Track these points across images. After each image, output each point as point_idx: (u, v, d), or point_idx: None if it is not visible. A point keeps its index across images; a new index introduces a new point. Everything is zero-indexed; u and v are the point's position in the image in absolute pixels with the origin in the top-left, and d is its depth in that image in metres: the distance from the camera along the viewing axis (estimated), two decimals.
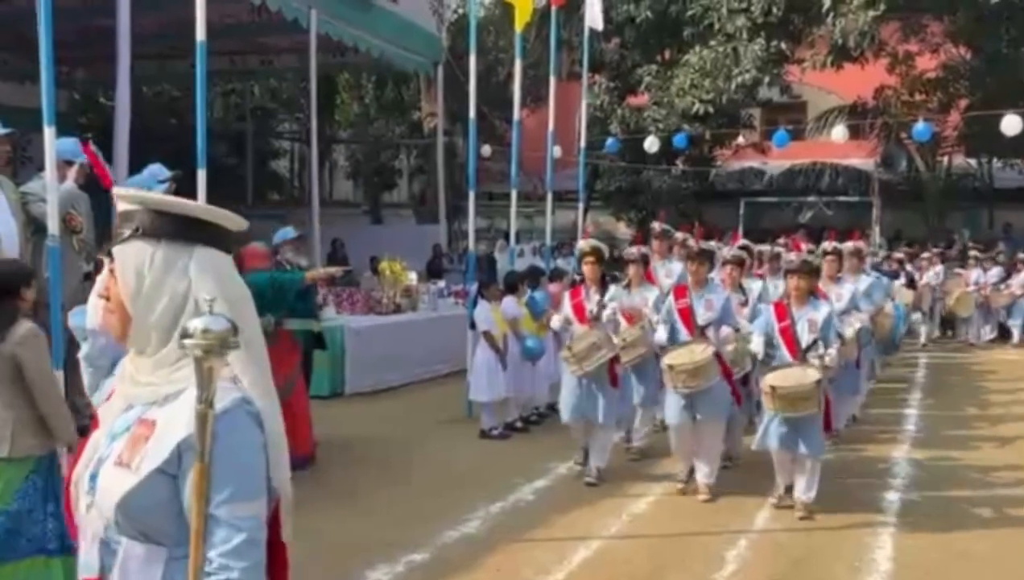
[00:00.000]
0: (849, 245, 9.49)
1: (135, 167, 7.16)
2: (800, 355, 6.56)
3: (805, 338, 6.59)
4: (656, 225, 9.63)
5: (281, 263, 7.90)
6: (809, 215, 23.54)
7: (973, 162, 23.61)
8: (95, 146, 6.46)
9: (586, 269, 7.33)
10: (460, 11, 21.81)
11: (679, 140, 19.89)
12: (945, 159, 23.10)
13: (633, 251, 7.91)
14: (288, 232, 7.97)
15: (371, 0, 13.99)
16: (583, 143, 13.29)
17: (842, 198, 23.37)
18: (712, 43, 21.16)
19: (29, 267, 4.49)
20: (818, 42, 21.47)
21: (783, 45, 21.22)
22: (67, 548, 4.42)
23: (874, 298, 9.32)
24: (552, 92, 11.77)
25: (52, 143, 5.11)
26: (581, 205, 15.93)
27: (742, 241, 9.64)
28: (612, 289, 7.48)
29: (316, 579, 4.83)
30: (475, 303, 9.21)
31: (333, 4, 12.85)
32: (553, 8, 12.22)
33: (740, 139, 22.78)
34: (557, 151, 14.52)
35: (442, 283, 13.75)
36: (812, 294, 6.83)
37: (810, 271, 6.77)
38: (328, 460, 7.44)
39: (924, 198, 22.79)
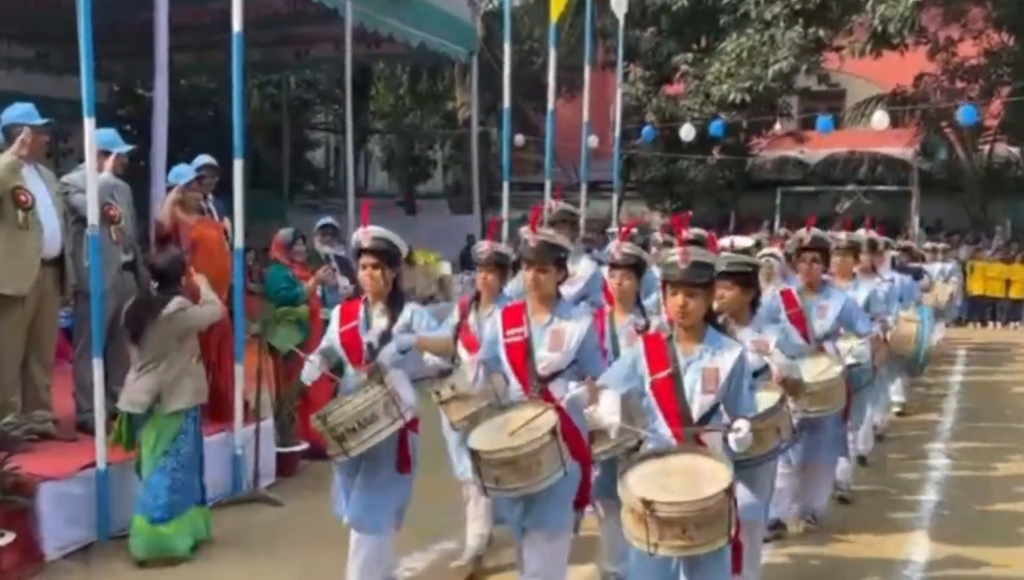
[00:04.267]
0: (860, 234, 7.63)
1: (173, 159, 7.23)
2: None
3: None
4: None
5: (317, 253, 7.99)
6: (847, 205, 23.30)
7: (1015, 151, 23.21)
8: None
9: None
10: (495, 0, 21.79)
11: (715, 129, 19.75)
12: (986, 147, 22.74)
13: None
14: (326, 221, 8.11)
15: None
16: (618, 133, 13.23)
17: (881, 188, 23.09)
18: (749, 30, 20.98)
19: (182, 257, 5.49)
20: (857, 29, 21.21)
21: (821, 32, 20.98)
22: (206, 499, 5.56)
23: (890, 309, 7.25)
24: (587, 82, 11.72)
25: (92, 134, 5.16)
26: (616, 196, 15.88)
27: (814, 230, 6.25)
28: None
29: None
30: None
31: None
32: None
33: (777, 127, 22.56)
34: (592, 141, 14.48)
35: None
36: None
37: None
38: None
39: (964, 188, 22.46)
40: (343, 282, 7.74)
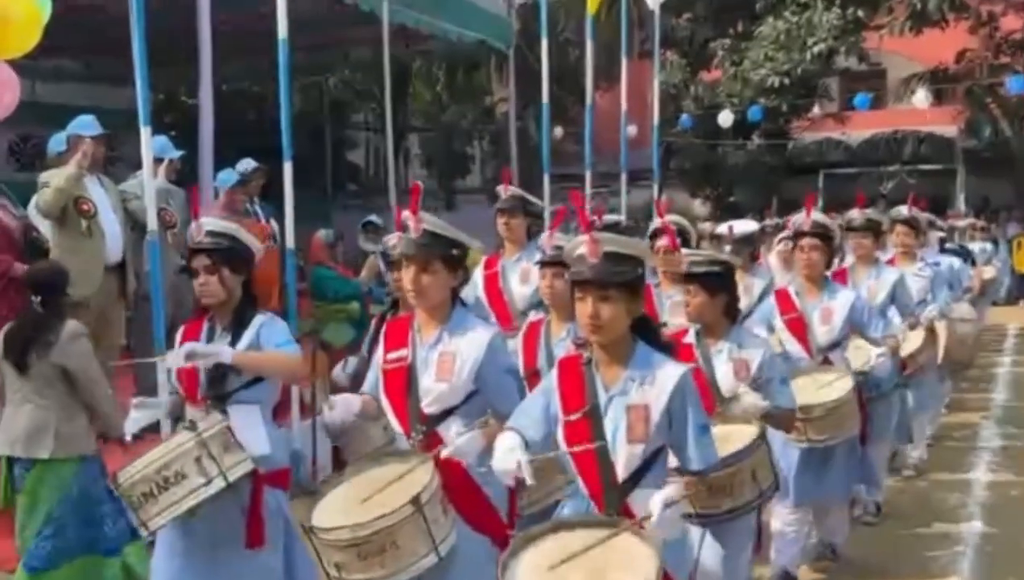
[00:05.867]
0: (900, 211, 6.60)
1: (219, 164, 7.39)
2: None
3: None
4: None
5: (362, 251, 8.17)
6: (891, 185, 23.02)
7: None
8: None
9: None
10: None
11: (754, 114, 19.63)
12: None
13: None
14: (371, 220, 8.26)
15: None
16: (656, 121, 13.21)
17: (925, 167, 22.78)
18: (785, 13, 20.81)
19: (65, 268, 4.64)
20: (896, 7, 20.92)
21: (859, 12, 20.74)
22: (121, 548, 4.42)
23: (937, 296, 6.40)
24: (624, 72, 11.74)
25: (148, 142, 5.33)
26: (656, 184, 15.86)
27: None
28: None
29: None
30: None
31: None
32: None
33: (816, 109, 22.34)
34: (631, 130, 14.48)
35: None
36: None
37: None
38: None
39: (1012, 165, 22.07)
40: (391, 277, 7.88)
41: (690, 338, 3.91)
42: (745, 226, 6.31)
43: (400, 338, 3.31)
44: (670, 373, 2.79)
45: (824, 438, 4.43)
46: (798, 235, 4.87)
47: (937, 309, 6.27)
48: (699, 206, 24.48)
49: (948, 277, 7.23)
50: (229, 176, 6.90)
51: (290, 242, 6.49)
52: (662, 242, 5.17)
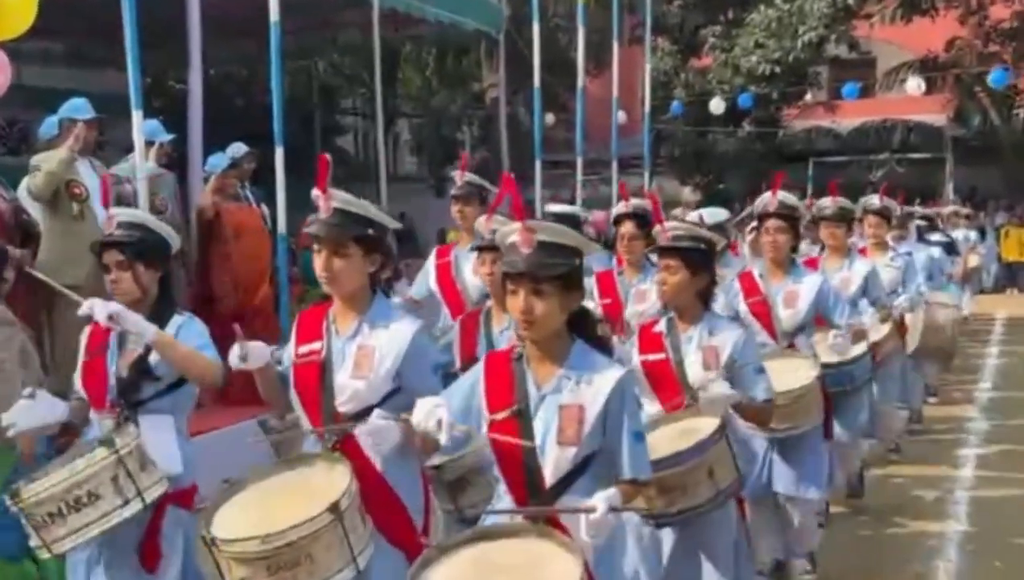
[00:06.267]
0: (872, 201, 6.41)
1: (207, 150, 7.35)
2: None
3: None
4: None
5: None
6: (880, 173, 23.08)
7: None
8: None
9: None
10: None
11: (744, 101, 19.63)
12: (1021, 112, 22.40)
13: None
14: None
15: None
16: (647, 108, 13.20)
17: (914, 155, 22.84)
18: (776, 1, 20.77)
19: (5, 248, 4.37)
20: None
21: (850, 0, 20.73)
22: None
23: (909, 287, 6.24)
24: (615, 57, 11.72)
25: (140, 126, 5.29)
26: (647, 172, 15.85)
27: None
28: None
29: None
30: None
31: None
32: None
33: (808, 97, 22.36)
34: (621, 116, 14.47)
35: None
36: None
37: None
38: None
39: (1000, 153, 22.14)
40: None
41: (660, 327, 3.64)
42: (717, 214, 6.04)
43: (313, 330, 3.01)
44: (608, 375, 2.58)
45: (786, 427, 4.12)
46: (763, 217, 4.64)
47: (908, 300, 6.12)
48: (689, 193, 24.49)
49: (927, 266, 7.26)
50: (220, 160, 6.86)
51: (282, 227, 6.47)
52: (626, 229, 5.14)
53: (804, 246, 5.92)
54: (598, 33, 18.37)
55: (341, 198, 2.93)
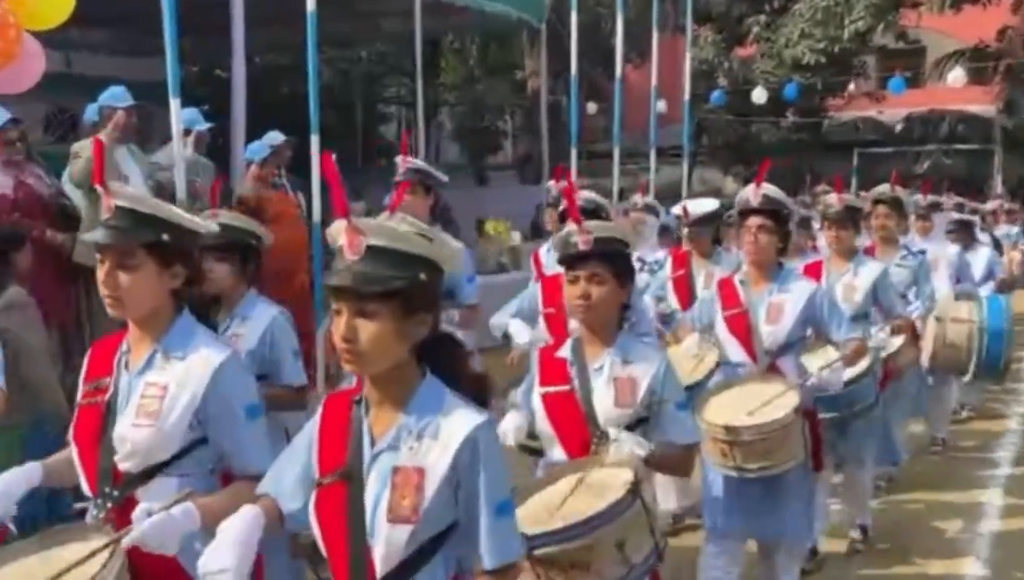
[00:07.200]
0: (883, 191, 5.48)
1: (251, 137, 7.45)
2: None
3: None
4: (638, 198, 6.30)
5: None
6: (926, 165, 22.74)
7: None
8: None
9: None
10: None
11: (789, 91, 19.44)
12: None
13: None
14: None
15: None
16: (687, 96, 13.13)
17: (961, 146, 22.48)
18: None
19: (19, 231, 4.38)
20: None
21: None
22: None
23: (922, 291, 5.44)
24: (655, 46, 11.68)
25: (178, 114, 5.38)
26: (686, 161, 15.78)
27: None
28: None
29: None
30: None
31: None
32: None
33: (851, 87, 22.09)
34: (661, 106, 14.42)
35: (546, 244, 13.88)
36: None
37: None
38: None
39: None
40: None
41: (565, 353, 2.90)
42: (705, 205, 5.43)
43: (103, 363, 2.36)
44: (459, 424, 1.91)
45: (757, 467, 3.43)
46: (744, 213, 3.83)
47: (923, 308, 5.42)
48: (731, 183, 24.32)
49: (958, 270, 6.36)
50: (260, 148, 6.95)
51: (317, 216, 6.54)
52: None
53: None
54: (641, 21, 18.29)
55: (128, 196, 2.32)
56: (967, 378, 5.99)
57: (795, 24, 20.93)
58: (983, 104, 22.49)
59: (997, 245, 8.99)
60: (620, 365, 2.81)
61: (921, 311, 5.42)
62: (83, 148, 5.47)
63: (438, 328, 2.03)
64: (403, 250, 1.91)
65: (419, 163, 4.58)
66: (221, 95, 9.58)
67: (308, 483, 2.03)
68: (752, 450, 3.40)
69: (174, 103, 5.26)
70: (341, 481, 1.95)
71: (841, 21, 20.34)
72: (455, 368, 2.03)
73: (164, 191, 5.95)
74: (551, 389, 2.85)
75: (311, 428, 2.08)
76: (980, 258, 7.22)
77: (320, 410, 2.08)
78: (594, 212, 4.27)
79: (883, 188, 5.33)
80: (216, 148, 7.28)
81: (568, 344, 2.92)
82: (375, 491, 1.92)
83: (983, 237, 8.55)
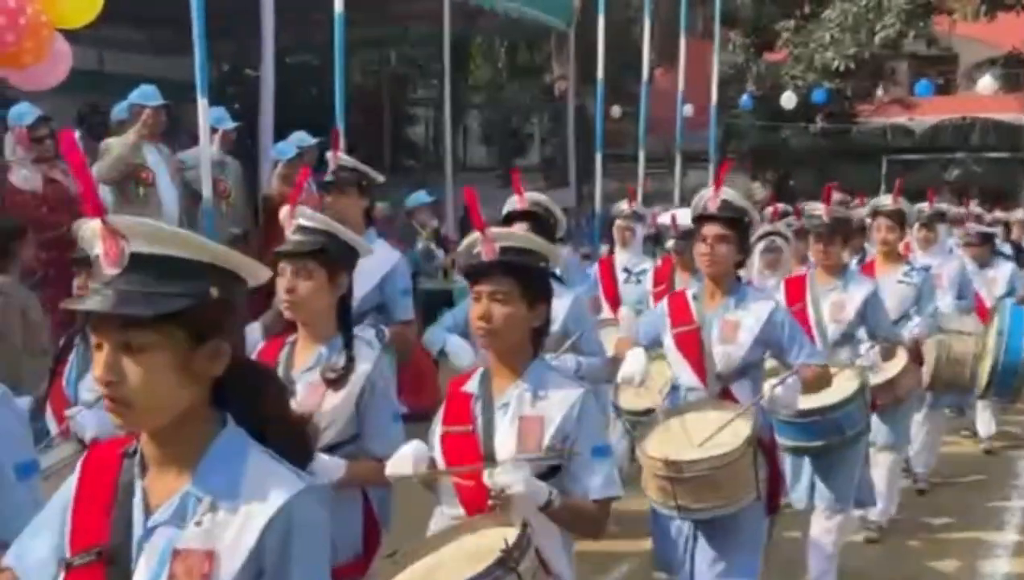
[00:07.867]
0: (883, 202, 5.09)
1: (280, 137, 7.53)
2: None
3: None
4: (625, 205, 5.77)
5: (414, 226, 8.24)
6: (956, 173, 22.53)
7: None
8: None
9: None
10: None
11: (818, 96, 19.33)
12: None
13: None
14: (422, 197, 8.29)
15: None
16: (714, 101, 13.12)
17: (992, 155, 22.25)
18: None
19: (19, 222, 4.30)
20: None
21: None
22: None
23: (923, 308, 4.93)
24: (682, 50, 11.68)
25: (206, 113, 5.46)
26: (712, 166, 15.74)
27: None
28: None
29: None
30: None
31: None
32: None
33: (880, 93, 21.95)
34: (688, 110, 14.41)
35: (568, 247, 13.89)
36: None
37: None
38: None
39: None
40: (439, 254, 7.98)
41: (471, 386, 2.48)
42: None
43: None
44: (267, 492, 1.46)
45: (701, 507, 3.03)
46: (700, 220, 3.38)
47: (925, 327, 4.89)
48: (758, 189, 24.21)
49: (959, 281, 5.81)
50: (287, 148, 7.02)
51: None
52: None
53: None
54: (669, 25, 18.27)
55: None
56: (979, 393, 5.51)
57: (824, 29, 20.82)
58: (1015, 112, 22.26)
59: (1020, 257, 8.29)
60: (529, 401, 2.36)
61: (922, 330, 4.87)
62: (111, 145, 5.56)
63: (241, 358, 1.54)
64: (181, 257, 1.44)
65: (351, 161, 4.09)
66: (251, 95, 9.68)
67: (62, 558, 1.51)
68: (694, 487, 2.97)
69: (202, 102, 5.33)
70: (98, 563, 1.46)
71: (872, 27, 20.21)
72: (265, 413, 1.55)
73: (190, 189, 6.05)
74: (452, 429, 2.43)
75: (68, 486, 1.56)
76: (1001, 274, 6.75)
77: (79, 464, 1.57)
78: (533, 216, 3.76)
79: (884, 198, 4.96)
80: (244, 148, 7.37)
81: (476, 376, 2.49)
82: (147, 579, 1.44)
83: (1005, 248, 8.10)
